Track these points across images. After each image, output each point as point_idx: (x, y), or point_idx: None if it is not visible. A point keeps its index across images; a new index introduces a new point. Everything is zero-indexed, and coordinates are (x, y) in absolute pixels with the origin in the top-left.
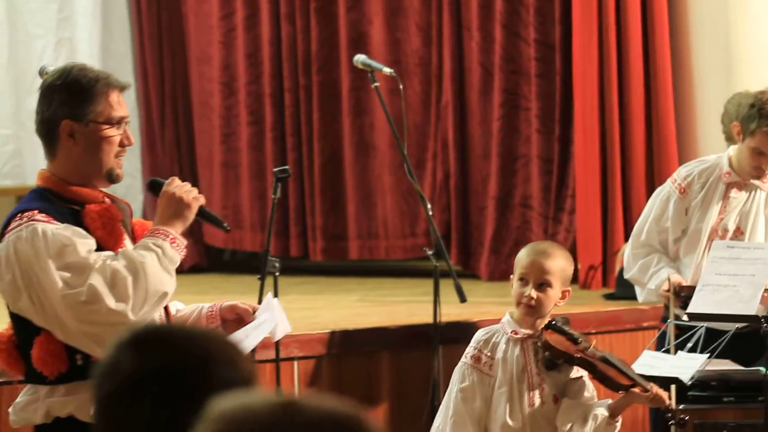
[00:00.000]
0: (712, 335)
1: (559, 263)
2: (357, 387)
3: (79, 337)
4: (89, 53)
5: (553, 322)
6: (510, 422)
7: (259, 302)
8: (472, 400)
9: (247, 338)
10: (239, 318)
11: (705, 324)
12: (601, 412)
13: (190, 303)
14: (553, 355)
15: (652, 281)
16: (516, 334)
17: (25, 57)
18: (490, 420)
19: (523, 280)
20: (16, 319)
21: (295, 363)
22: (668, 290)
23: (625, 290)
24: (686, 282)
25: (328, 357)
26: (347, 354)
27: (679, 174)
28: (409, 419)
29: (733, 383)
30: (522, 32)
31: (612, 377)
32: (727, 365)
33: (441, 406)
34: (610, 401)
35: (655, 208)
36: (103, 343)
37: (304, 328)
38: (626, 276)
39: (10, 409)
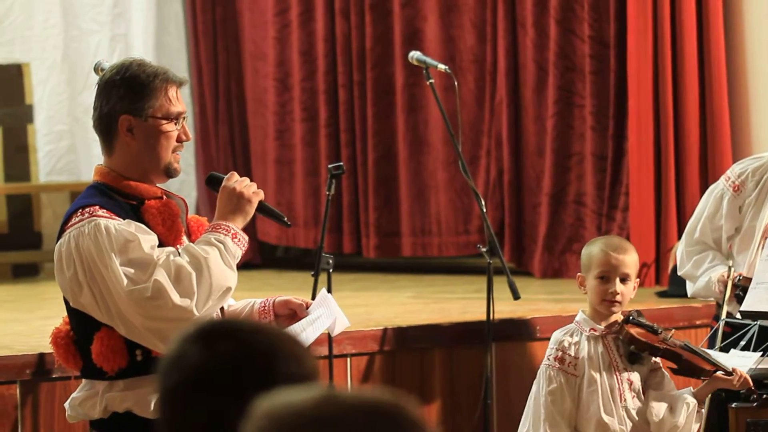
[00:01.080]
0: (765, 333)
1: (634, 257)
2: (410, 384)
3: (143, 332)
4: (143, 49)
5: (631, 317)
6: (605, 419)
7: (313, 298)
8: (561, 401)
9: (302, 333)
10: (293, 313)
11: (758, 322)
12: (691, 399)
13: (243, 299)
14: (638, 348)
15: (706, 275)
16: (595, 331)
17: (80, 53)
18: (581, 419)
19: (605, 278)
20: (76, 315)
21: (348, 360)
22: (725, 279)
23: (677, 288)
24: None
25: (381, 354)
26: (400, 351)
27: (733, 171)
28: (462, 416)
29: None
30: (577, 29)
31: (696, 364)
32: None
33: (526, 411)
34: (691, 389)
35: (709, 206)
36: (166, 338)
37: (357, 325)
38: (680, 273)
39: (66, 404)
